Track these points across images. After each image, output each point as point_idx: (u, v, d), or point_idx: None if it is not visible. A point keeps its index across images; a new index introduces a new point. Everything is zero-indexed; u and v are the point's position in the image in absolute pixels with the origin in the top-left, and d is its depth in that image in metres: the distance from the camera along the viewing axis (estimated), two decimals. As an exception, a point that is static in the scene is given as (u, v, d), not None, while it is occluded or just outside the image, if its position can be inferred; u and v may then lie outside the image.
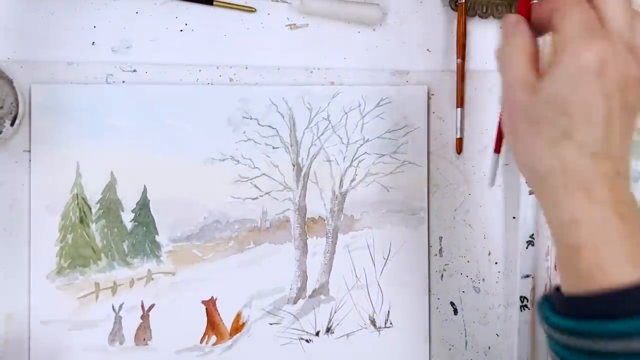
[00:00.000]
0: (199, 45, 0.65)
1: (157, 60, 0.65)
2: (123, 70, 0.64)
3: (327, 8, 0.66)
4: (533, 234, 0.65)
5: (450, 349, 0.68)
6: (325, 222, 0.67)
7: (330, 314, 0.67)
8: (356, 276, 0.67)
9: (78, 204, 0.63)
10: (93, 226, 0.64)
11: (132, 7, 0.65)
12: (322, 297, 0.67)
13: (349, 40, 0.67)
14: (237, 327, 0.65)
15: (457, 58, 0.67)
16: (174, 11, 0.65)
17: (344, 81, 0.67)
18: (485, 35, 0.69)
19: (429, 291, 0.68)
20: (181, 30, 0.65)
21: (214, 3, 0.65)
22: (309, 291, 0.67)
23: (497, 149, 0.51)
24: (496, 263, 0.69)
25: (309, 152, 0.66)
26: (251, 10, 0.66)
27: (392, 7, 0.68)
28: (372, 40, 0.68)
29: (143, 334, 0.64)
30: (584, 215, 0.39)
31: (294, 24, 0.67)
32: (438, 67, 0.68)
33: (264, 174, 0.66)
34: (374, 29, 0.68)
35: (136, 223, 0.64)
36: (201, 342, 0.65)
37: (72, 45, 0.64)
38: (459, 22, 0.67)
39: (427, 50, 0.68)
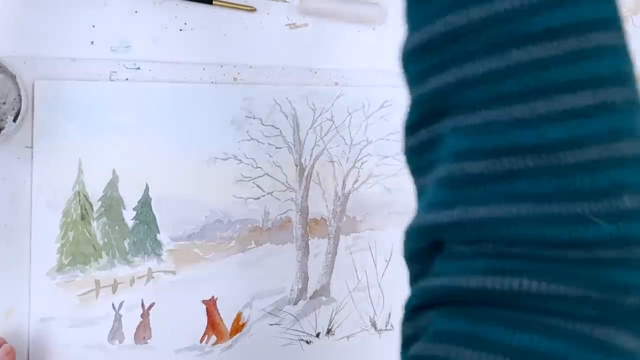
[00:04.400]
0: (199, 45, 0.65)
1: (158, 58, 0.65)
2: (127, 68, 0.64)
3: (328, 8, 0.66)
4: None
5: (450, 353, 0.68)
6: (328, 223, 0.66)
7: (331, 316, 0.66)
8: (357, 278, 0.67)
9: (79, 201, 0.63)
10: (94, 223, 0.64)
11: (131, 6, 0.64)
12: (323, 298, 0.66)
13: (348, 40, 0.67)
14: (237, 327, 0.65)
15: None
16: (174, 10, 0.65)
17: (348, 82, 0.67)
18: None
19: (431, 294, 0.67)
20: (180, 30, 0.65)
21: (214, 2, 0.65)
22: (309, 292, 0.66)
23: None
24: (498, 267, 0.68)
25: (312, 152, 0.66)
26: (251, 9, 0.65)
27: (392, 7, 0.67)
28: (372, 40, 0.67)
29: (143, 332, 0.64)
30: None
31: (294, 24, 0.66)
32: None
33: (266, 173, 0.66)
34: (373, 29, 0.67)
35: (137, 221, 0.64)
36: (201, 341, 0.65)
37: (72, 44, 0.63)
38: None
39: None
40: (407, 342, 0.32)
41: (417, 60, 0.32)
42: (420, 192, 0.34)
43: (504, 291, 0.27)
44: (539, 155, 0.27)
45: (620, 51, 0.28)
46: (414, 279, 0.34)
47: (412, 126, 0.33)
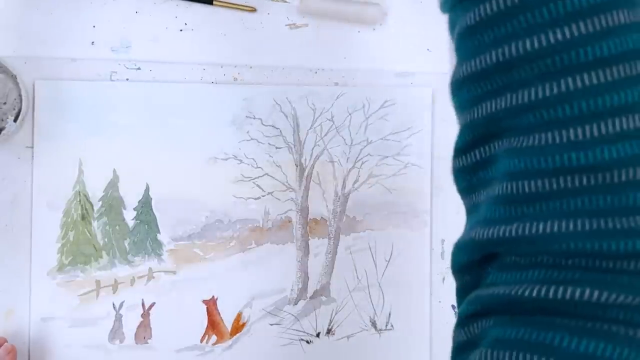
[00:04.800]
0: (199, 45, 0.65)
1: (158, 58, 0.65)
2: (127, 68, 0.64)
3: (328, 8, 0.66)
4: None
5: (450, 353, 0.68)
6: (328, 223, 0.66)
7: (331, 316, 0.66)
8: (357, 278, 0.67)
9: (80, 201, 0.63)
10: (95, 223, 0.64)
11: (131, 6, 0.64)
12: (323, 298, 0.66)
13: (348, 40, 0.67)
14: (238, 327, 0.65)
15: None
16: (174, 11, 0.65)
17: (348, 82, 0.67)
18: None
19: (431, 294, 0.67)
20: (181, 30, 0.65)
21: (214, 3, 0.65)
22: (310, 292, 0.66)
23: None
24: (498, 267, 0.68)
25: (312, 152, 0.66)
26: (251, 9, 0.66)
27: (392, 7, 0.67)
28: (372, 40, 0.67)
29: (143, 332, 0.64)
30: None
31: (294, 24, 0.66)
32: (440, 68, 0.68)
33: (266, 173, 0.66)
34: (373, 29, 0.67)
35: (138, 221, 0.64)
36: (201, 341, 0.65)
37: (72, 44, 0.64)
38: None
39: (427, 50, 0.68)
40: (461, 347, 0.33)
41: (470, 87, 0.33)
42: (472, 208, 0.35)
43: (565, 300, 0.28)
44: (594, 174, 0.29)
45: None
46: (463, 290, 0.35)
47: (464, 147, 0.35)
